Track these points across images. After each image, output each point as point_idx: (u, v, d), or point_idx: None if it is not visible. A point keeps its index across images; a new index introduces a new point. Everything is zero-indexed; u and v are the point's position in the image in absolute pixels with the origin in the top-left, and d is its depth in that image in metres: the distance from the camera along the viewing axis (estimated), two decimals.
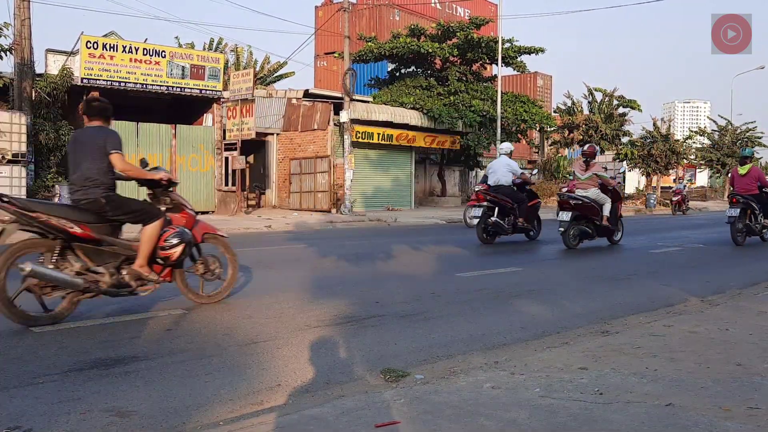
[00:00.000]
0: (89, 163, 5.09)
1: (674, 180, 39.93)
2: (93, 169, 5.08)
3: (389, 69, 29.67)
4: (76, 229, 4.95)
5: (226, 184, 21.09)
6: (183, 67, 19.04)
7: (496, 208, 11.56)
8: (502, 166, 11.93)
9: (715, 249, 11.90)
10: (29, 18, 15.95)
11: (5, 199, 4.84)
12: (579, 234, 11.02)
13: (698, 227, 17.62)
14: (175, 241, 5.35)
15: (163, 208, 5.53)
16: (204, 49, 32.10)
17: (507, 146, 12.53)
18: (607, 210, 11.14)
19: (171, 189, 5.64)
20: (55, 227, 4.90)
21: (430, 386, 3.44)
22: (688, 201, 29.77)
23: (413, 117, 24.78)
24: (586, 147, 11.85)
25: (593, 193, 11.10)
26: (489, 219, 11.52)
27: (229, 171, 21.61)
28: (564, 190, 11.42)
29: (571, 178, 13.90)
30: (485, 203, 11.64)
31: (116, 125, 18.28)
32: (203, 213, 19.81)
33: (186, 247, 5.41)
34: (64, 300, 4.97)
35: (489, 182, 12.00)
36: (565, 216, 10.79)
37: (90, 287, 4.98)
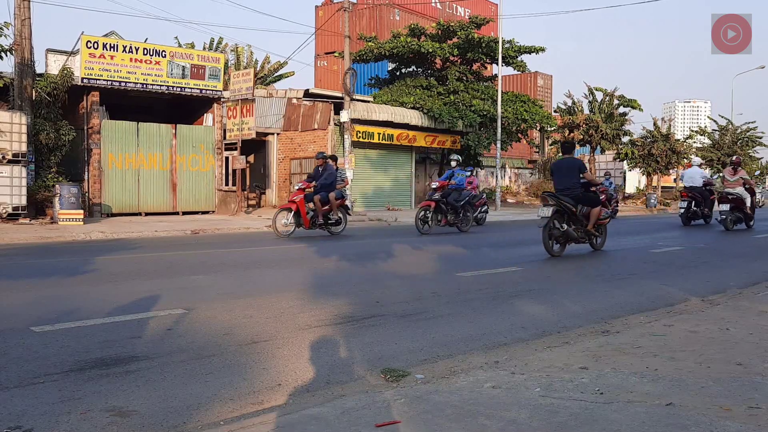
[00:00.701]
0: (572, 177, 9.96)
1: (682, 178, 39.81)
2: (574, 180, 9.95)
3: (389, 69, 29.66)
4: (574, 209, 9.80)
5: (227, 184, 21.10)
6: (183, 67, 19.05)
7: (693, 201, 17.28)
8: (696, 173, 17.70)
9: (716, 249, 11.90)
10: (29, 18, 15.95)
11: (550, 194, 10.03)
12: (734, 219, 15.71)
13: (698, 227, 17.61)
14: (606, 215, 10.50)
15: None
16: (204, 49, 32.09)
17: (698, 159, 19.00)
18: (749, 202, 15.80)
19: (593, 189, 10.35)
20: (568, 208, 9.77)
21: (430, 386, 3.44)
22: (617, 202, 23.82)
23: (413, 117, 24.77)
24: (734, 157, 17.28)
25: (740, 190, 15.71)
26: (691, 209, 17.35)
27: (230, 171, 21.62)
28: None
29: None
30: (688, 198, 17.36)
31: (116, 125, 18.35)
32: (204, 213, 19.84)
33: (610, 219, 10.86)
34: (559, 246, 9.91)
35: (685, 184, 17.77)
36: (725, 207, 15.58)
37: (576, 240, 10.04)
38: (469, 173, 17.56)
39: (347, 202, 14.31)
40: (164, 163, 19.20)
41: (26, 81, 16.02)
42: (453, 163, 15.19)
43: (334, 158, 14.41)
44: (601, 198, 10.36)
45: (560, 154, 10.82)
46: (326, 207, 13.19)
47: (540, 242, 9.48)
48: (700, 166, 18.23)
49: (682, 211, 17.36)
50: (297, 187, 13.35)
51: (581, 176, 10.02)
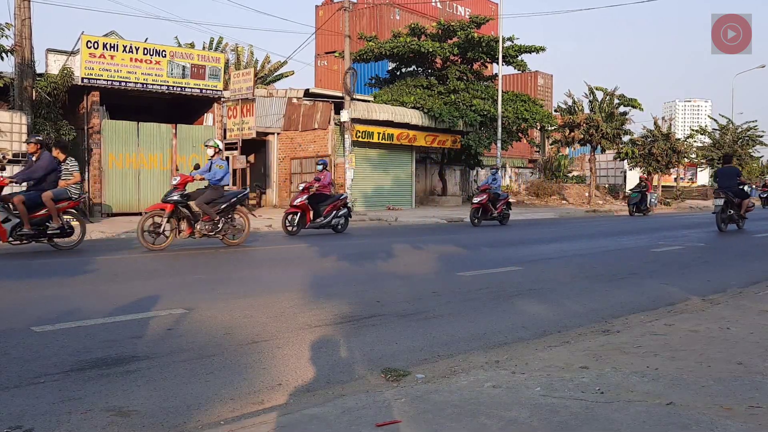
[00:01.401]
0: (732, 180, 14.91)
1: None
2: (733, 182, 14.95)
3: (390, 68, 29.67)
4: (734, 201, 14.70)
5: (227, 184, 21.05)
6: (183, 67, 19.04)
7: None
8: None
9: (716, 248, 11.89)
10: (30, 18, 15.95)
11: (721, 189, 14.75)
12: None
13: (699, 226, 17.61)
14: (752, 204, 15.13)
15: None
16: (204, 48, 32.07)
17: None
18: None
19: (742, 187, 14.95)
20: (731, 199, 14.66)
21: (430, 385, 3.44)
22: (507, 204, 17.61)
23: (414, 116, 24.77)
24: None
25: None
26: None
27: (230, 171, 21.60)
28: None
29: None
30: None
31: (116, 125, 18.35)
32: None
33: (753, 207, 15.30)
34: (724, 224, 14.71)
35: None
36: None
37: (734, 221, 15.00)
38: (322, 166, 14.16)
39: (81, 204, 10.46)
40: (164, 163, 19.18)
41: (26, 81, 16.02)
42: (210, 151, 10.94)
43: (63, 146, 10.25)
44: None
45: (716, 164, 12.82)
46: (41, 212, 9.48)
47: (539, 241, 9.65)
48: None
49: None
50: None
51: (738, 179, 15.08)
